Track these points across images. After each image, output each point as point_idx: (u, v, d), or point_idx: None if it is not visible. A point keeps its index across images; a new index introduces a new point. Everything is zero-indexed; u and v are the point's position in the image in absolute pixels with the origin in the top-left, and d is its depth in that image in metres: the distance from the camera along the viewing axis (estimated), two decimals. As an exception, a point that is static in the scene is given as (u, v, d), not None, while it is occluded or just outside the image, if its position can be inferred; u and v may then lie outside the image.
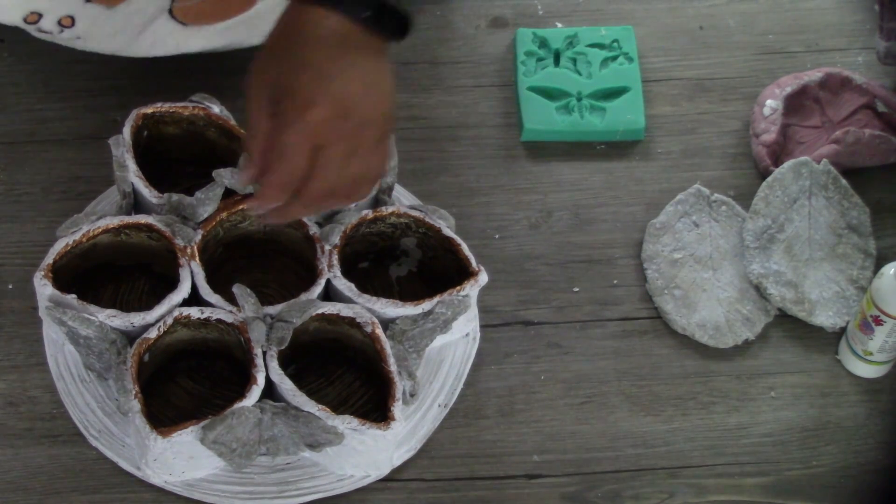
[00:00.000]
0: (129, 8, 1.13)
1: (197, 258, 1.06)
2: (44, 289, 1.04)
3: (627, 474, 1.07)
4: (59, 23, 1.11)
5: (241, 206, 1.10)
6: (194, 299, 1.06)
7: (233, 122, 1.14)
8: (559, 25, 1.31)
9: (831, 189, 1.19)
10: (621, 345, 1.14)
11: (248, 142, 0.95)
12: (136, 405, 1.00)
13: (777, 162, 1.22)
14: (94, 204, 1.15)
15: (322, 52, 0.92)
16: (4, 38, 1.26)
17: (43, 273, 1.04)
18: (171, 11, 1.14)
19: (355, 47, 0.93)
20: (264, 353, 1.03)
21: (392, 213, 1.11)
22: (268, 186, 0.94)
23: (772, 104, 1.24)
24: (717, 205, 1.20)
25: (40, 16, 1.10)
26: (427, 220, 1.11)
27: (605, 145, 1.25)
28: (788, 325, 1.15)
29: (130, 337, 1.05)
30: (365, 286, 1.08)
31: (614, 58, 1.28)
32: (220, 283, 1.07)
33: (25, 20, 1.10)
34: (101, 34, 1.15)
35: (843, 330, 1.13)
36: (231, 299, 1.05)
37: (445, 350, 1.11)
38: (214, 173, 1.09)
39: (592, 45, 1.28)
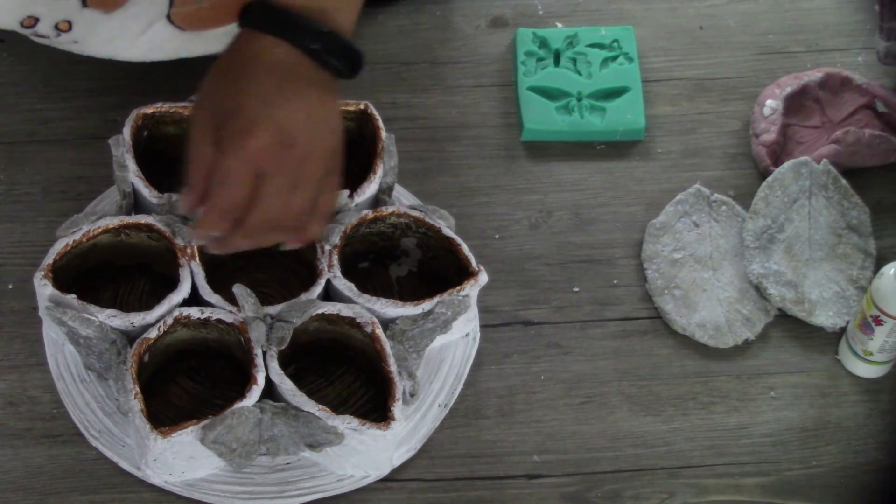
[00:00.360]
0: (127, 13, 1.12)
1: (197, 258, 1.06)
2: (44, 289, 1.04)
3: (627, 474, 1.07)
4: (56, 27, 1.11)
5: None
6: (194, 299, 1.06)
7: (233, 122, 1.14)
8: (559, 25, 1.31)
9: (831, 189, 1.19)
10: (621, 345, 1.14)
11: (190, 168, 0.94)
12: (136, 405, 1.00)
13: (777, 162, 1.22)
14: (94, 204, 1.15)
15: (268, 80, 0.92)
16: (4, 38, 1.26)
17: (43, 273, 1.04)
18: (168, 17, 1.14)
19: (303, 79, 0.93)
20: (264, 353, 1.03)
21: (392, 213, 1.11)
22: (208, 213, 0.93)
23: (772, 104, 1.24)
24: (717, 205, 1.20)
25: (37, 20, 1.10)
26: (427, 220, 1.11)
27: (605, 145, 1.25)
28: (788, 325, 1.15)
29: (130, 337, 1.05)
30: (365, 286, 1.08)
31: (614, 58, 1.28)
32: (220, 283, 1.07)
33: (22, 24, 1.10)
34: (98, 39, 1.15)
35: (843, 330, 1.13)
36: (231, 299, 1.05)
37: (445, 350, 1.11)
38: (214, 173, 1.09)
39: (592, 45, 1.28)
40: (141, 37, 1.16)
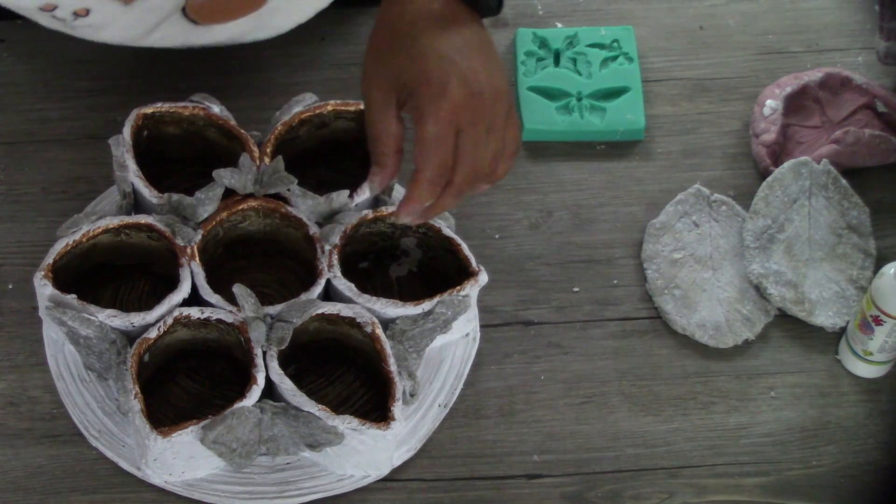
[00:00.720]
0: (145, 5, 1.13)
1: (197, 258, 1.06)
2: (44, 289, 1.04)
3: (627, 474, 1.07)
4: (74, 13, 1.11)
5: (241, 206, 1.10)
6: (194, 299, 1.06)
7: (233, 122, 1.14)
8: (559, 25, 1.31)
9: (831, 189, 1.19)
10: (621, 345, 1.14)
11: (376, 145, 0.95)
12: (136, 405, 1.00)
13: (777, 162, 1.22)
14: (94, 204, 1.15)
15: (437, 35, 0.93)
16: (5, 38, 1.26)
17: (43, 273, 1.04)
18: (184, 9, 1.14)
19: (464, 24, 0.94)
20: (264, 353, 1.03)
21: (392, 213, 1.11)
22: (421, 185, 0.94)
23: (772, 104, 1.24)
24: (717, 205, 1.20)
25: (56, 6, 1.10)
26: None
27: (605, 145, 1.25)
28: (788, 325, 1.15)
29: (130, 337, 1.05)
30: (365, 286, 1.08)
31: (614, 58, 1.28)
32: (220, 283, 1.07)
33: (42, 8, 1.11)
34: (114, 27, 1.15)
35: (843, 330, 1.14)
36: (231, 299, 1.05)
37: (445, 350, 1.11)
38: (214, 173, 1.09)
39: (592, 45, 1.28)
40: (156, 29, 1.16)
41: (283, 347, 1.02)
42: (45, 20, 1.16)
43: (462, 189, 0.95)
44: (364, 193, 1.11)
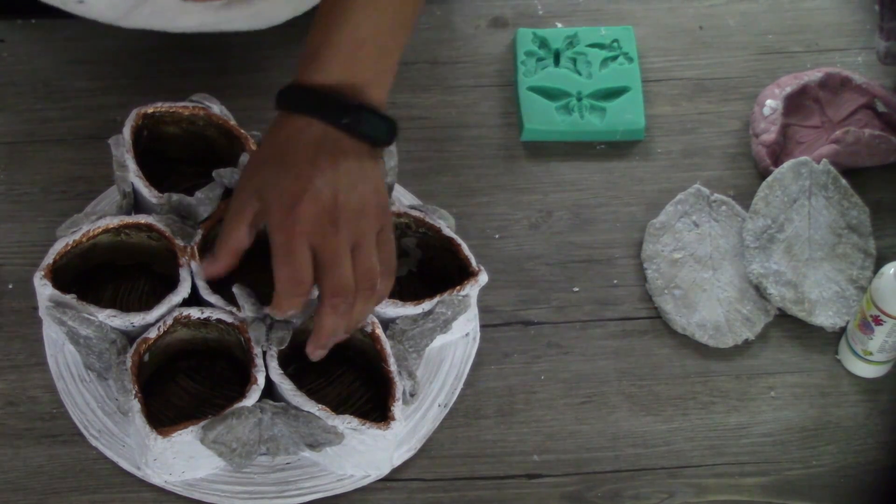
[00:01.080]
0: None
1: (197, 258, 1.06)
2: (44, 289, 1.04)
3: (627, 474, 1.07)
4: None
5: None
6: (194, 299, 1.06)
7: (233, 122, 1.14)
8: (559, 25, 1.31)
9: (831, 189, 1.19)
10: (621, 345, 1.14)
11: (220, 242, 0.99)
12: (136, 405, 1.00)
13: (777, 162, 1.22)
14: (94, 204, 1.15)
15: (305, 157, 0.95)
16: (5, 38, 1.26)
17: (43, 273, 1.04)
18: None
19: (339, 150, 0.96)
20: (264, 353, 1.03)
21: (392, 213, 1.11)
22: (278, 296, 0.97)
23: (772, 104, 1.24)
24: (717, 205, 1.20)
25: None
26: (427, 220, 1.11)
27: (605, 145, 1.25)
28: (788, 325, 1.15)
29: (130, 337, 1.05)
30: (365, 286, 1.08)
31: (614, 58, 1.28)
32: (220, 284, 1.07)
33: None
34: (102, 2, 1.15)
35: (843, 330, 1.14)
36: (231, 299, 1.05)
37: (445, 350, 1.11)
38: (214, 173, 1.09)
39: (592, 45, 1.28)
40: (143, 4, 1.16)
41: (283, 347, 1.02)
42: (71, 6, 1.16)
43: (334, 305, 0.96)
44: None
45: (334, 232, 0.95)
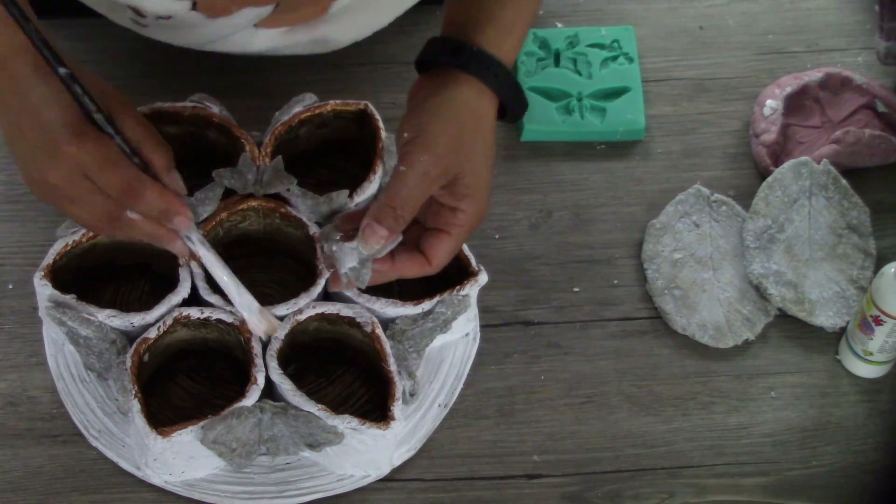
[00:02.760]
0: (231, 21, 1.13)
1: (197, 258, 1.06)
2: (44, 289, 1.04)
3: (627, 474, 1.07)
4: (157, 16, 1.12)
5: (241, 206, 1.10)
6: (194, 299, 1.06)
7: (233, 122, 1.14)
8: (559, 25, 1.31)
9: (831, 189, 1.19)
10: (621, 345, 1.14)
11: (400, 208, 0.98)
12: (136, 405, 1.00)
13: (777, 162, 1.22)
14: (94, 204, 1.15)
15: (482, 142, 1.00)
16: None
17: (43, 273, 1.04)
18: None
19: (492, 130, 1.02)
20: (264, 353, 1.03)
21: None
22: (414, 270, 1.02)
23: (772, 104, 1.24)
24: (717, 205, 1.20)
25: (144, 15, 1.12)
26: (427, 220, 1.11)
27: (605, 145, 1.25)
28: (788, 325, 1.15)
29: (130, 337, 1.05)
30: (365, 286, 1.08)
31: (614, 58, 1.28)
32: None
33: (131, 7, 1.12)
34: (190, 32, 1.16)
35: (843, 330, 1.13)
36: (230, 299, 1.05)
37: (445, 350, 1.11)
38: (214, 173, 1.09)
39: (592, 46, 1.28)
40: (227, 37, 1.18)
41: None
42: (118, 17, 1.16)
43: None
44: (364, 193, 1.11)
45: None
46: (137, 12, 1.11)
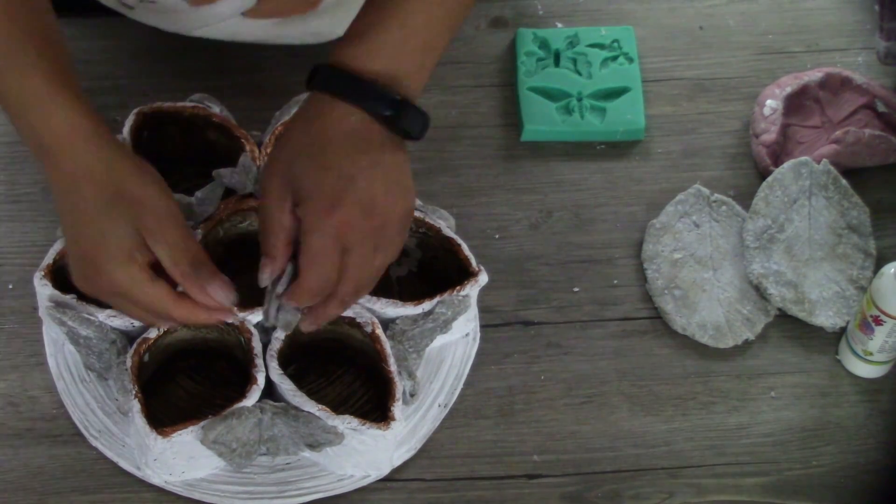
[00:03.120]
0: (214, 10, 1.13)
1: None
2: (44, 289, 1.04)
3: (627, 474, 1.07)
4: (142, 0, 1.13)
5: (241, 206, 1.10)
6: (194, 299, 1.06)
7: (233, 122, 1.14)
8: (559, 25, 1.31)
9: (831, 189, 1.19)
10: (621, 345, 1.14)
11: (266, 236, 0.95)
12: (136, 405, 1.00)
13: (777, 162, 1.22)
14: (94, 204, 1.15)
15: (345, 152, 0.93)
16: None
17: (43, 273, 1.04)
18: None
19: (377, 145, 0.94)
20: (264, 353, 1.03)
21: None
22: (302, 294, 0.95)
23: (772, 104, 1.24)
24: (717, 205, 1.20)
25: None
26: (427, 220, 1.11)
27: (605, 145, 1.25)
28: (788, 325, 1.15)
29: (130, 337, 1.05)
30: (365, 286, 1.08)
31: (614, 58, 1.28)
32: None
33: None
34: (174, 18, 1.16)
35: (843, 330, 1.13)
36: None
37: (445, 350, 1.11)
38: (214, 173, 1.09)
39: (592, 46, 1.28)
40: (213, 24, 1.18)
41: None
42: (108, 0, 1.16)
43: (345, 301, 0.97)
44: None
45: (367, 239, 0.94)
46: None
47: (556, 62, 1.28)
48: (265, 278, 0.96)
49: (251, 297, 1.06)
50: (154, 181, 0.95)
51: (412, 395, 1.07)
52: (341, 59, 0.95)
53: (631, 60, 1.27)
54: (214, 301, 0.95)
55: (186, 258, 0.94)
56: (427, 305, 1.07)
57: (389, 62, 0.95)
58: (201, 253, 0.96)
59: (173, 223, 0.94)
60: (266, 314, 0.98)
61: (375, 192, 0.93)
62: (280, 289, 0.97)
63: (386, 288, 1.13)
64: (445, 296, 1.07)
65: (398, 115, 0.94)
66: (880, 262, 1.15)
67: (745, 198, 1.20)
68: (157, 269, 0.94)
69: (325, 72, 0.95)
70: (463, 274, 1.09)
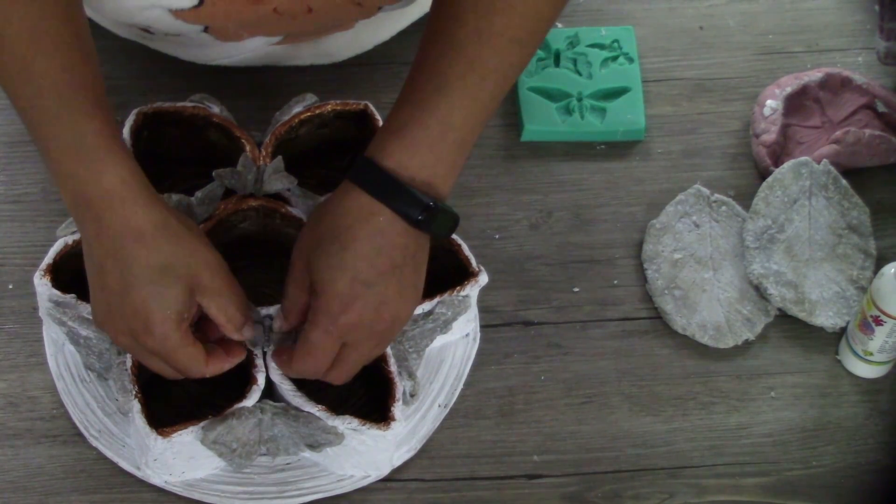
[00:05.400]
0: (239, 45, 1.14)
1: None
2: (44, 289, 1.04)
3: (627, 474, 1.08)
4: (165, 34, 1.13)
5: (241, 206, 1.10)
6: (194, 299, 1.06)
7: (233, 122, 1.14)
8: (559, 26, 1.31)
9: (831, 189, 1.19)
10: (621, 345, 1.14)
11: (286, 303, 0.98)
12: (136, 405, 1.00)
13: (777, 162, 1.22)
14: (94, 204, 1.15)
15: (365, 255, 0.93)
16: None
17: (43, 273, 1.04)
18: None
19: (400, 248, 0.94)
20: (264, 354, 1.03)
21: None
22: (289, 371, 1.00)
23: (772, 104, 1.24)
24: (718, 205, 1.20)
25: (152, 33, 1.13)
26: (427, 220, 1.11)
27: (605, 145, 1.25)
28: (788, 326, 1.15)
29: (130, 337, 1.05)
30: (365, 286, 1.08)
31: (614, 58, 1.28)
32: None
33: (139, 27, 1.13)
34: (199, 50, 1.17)
35: (843, 330, 1.14)
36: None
37: (445, 350, 1.11)
38: (214, 173, 1.09)
39: (593, 46, 1.28)
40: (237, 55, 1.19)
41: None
42: (124, 31, 1.17)
43: (331, 380, 0.99)
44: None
45: (370, 339, 0.96)
46: (146, 30, 1.12)
47: (556, 62, 1.28)
48: (277, 328, 1.01)
49: (251, 296, 1.06)
50: (200, 237, 0.97)
51: (412, 396, 1.07)
52: (379, 154, 0.94)
53: (631, 60, 1.27)
54: (246, 342, 1.00)
55: (236, 305, 0.97)
56: (427, 305, 1.07)
57: (425, 161, 0.94)
58: (244, 297, 0.99)
59: (223, 274, 0.97)
60: (255, 345, 1.03)
61: (389, 296, 0.94)
62: (273, 310, 1.02)
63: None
64: (445, 296, 1.07)
65: (429, 219, 0.93)
66: (880, 263, 1.15)
67: (745, 198, 1.20)
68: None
69: (365, 166, 0.94)
70: (463, 274, 1.09)
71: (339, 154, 1.17)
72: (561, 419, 1.10)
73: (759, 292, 1.15)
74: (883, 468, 1.09)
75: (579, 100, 1.25)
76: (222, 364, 0.98)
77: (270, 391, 1.04)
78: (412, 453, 1.06)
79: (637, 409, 1.11)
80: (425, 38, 0.95)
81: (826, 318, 1.14)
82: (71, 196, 0.93)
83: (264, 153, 1.11)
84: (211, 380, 1.08)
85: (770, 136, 1.23)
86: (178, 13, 1.07)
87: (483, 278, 1.08)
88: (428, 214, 0.93)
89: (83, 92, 0.92)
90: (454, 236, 1.10)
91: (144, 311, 0.93)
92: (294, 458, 1.05)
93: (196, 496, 1.03)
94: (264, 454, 1.04)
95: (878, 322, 1.07)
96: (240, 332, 0.98)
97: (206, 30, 1.10)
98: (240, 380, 1.04)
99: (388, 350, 1.04)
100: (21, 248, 1.14)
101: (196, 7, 1.06)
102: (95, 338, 1.04)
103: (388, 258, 0.93)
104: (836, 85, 1.26)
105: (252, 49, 1.16)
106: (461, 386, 1.10)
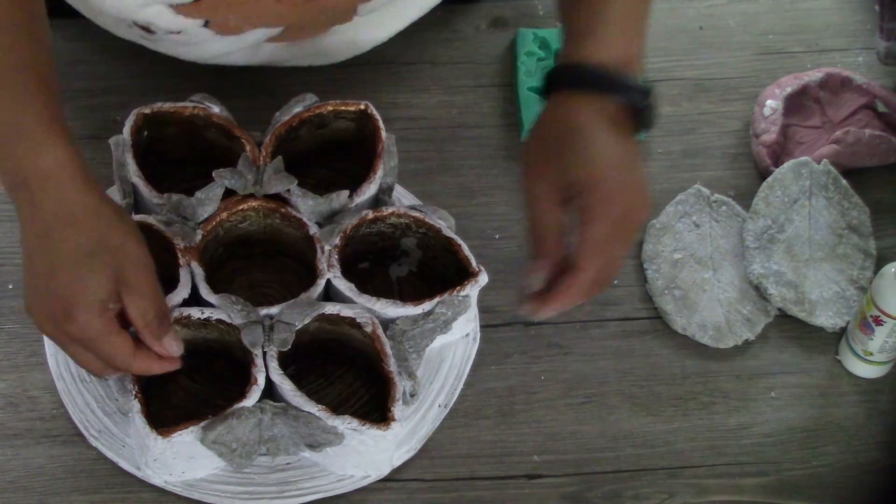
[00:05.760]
0: (239, 39, 1.14)
1: (197, 258, 1.06)
2: (44, 289, 1.04)
3: (627, 474, 1.08)
4: (168, 31, 1.13)
5: (241, 206, 1.10)
6: (194, 299, 1.06)
7: (233, 122, 1.14)
8: (559, 25, 1.31)
9: (831, 189, 1.19)
10: (621, 345, 1.14)
11: (542, 238, 0.95)
12: (136, 405, 1.00)
13: (777, 162, 1.22)
14: (94, 204, 1.15)
15: (606, 140, 0.94)
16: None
17: (43, 273, 1.04)
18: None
19: (626, 134, 0.95)
20: (264, 354, 1.03)
21: (392, 214, 1.11)
22: (582, 286, 0.95)
23: (772, 104, 1.24)
24: (718, 205, 1.20)
25: (153, 31, 1.13)
26: (427, 220, 1.11)
27: (605, 145, 1.24)
28: (788, 326, 1.15)
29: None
30: (365, 286, 1.08)
31: (614, 58, 1.27)
32: (220, 283, 1.07)
33: (139, 25, 1.12)
34: (201, 48, 1.17)
35: (843, 330, 1.14)
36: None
37: (445, 350, 1.11)
38: (214, 173, 1.09)
39: (592, 45, 1.28)
40: (238, 52, 1.18)
41: (286, 349, 1.02)
42: (123, 32, 1.17)
43: (599, 288, 0.96)
44: (364, 194, 1.11)
45: (633, 231, 0.96)
46: (146, 29, 1.12)
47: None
48: (538, 280, 0.96)
49: (250, 296, 1.06)
50: (132, 230, 0.96)
51: (412, 396, 1.07)
52: (578, 58, 0.96)
53: (631, 60, 1.27)
54: (166, 352, 0.97)
55: (155, 311, 0.95)
56: (427, 306, 1.07)
57: (622, 52, 0.96)
58: (165, 305, 0.97)
59: (148, 275, 0.95)
60: (254, 345, 1.01)
61: (639, 183, 0.95)
62: (273, 310, 1.01)
63: (386, 288, 1.13)
64: (445, 296, 1.07)
65: (651, 104, 0.96)
66: (880, 263, 1.15)
67: (745, 198, 1.20)
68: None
69: (569, 71, 0.96)
70: (463, 274, 1.09)
71: (339, 154, 1.17)
72: (561, 419, 1.10)
73: (759, 292, 1.15)
74: (883, 468, 1.09)
75: (579, 100, 1.25)
76: (150, 362, 0.96)
77: (270, 391, 1.04)
78: (412, 453, 1.06)
79: (637, 409, 1.11)
80: None
81: (826, 318, 1.14)
82: (10, 177, 0.92)
83: (264, 153, 1.11)
84: (211, 380, 1.08)
85: (770, 136, 1.23)
86: (178, 8, 1.07)
87: (483, 278, 1.08)
88: (650, 100, 0.96)
89: (27, 73, 0.91)
90: (454, 236, 1.10)
91: (67, 295, 0.91)
92: (294, 458, 1.05)
93: (196, 496, 1.03)
94: (264, 454, 1.04)
95: (878, 322, 1.08)
96: (159, 342, 0.96)
97: (206, 24, 1.10)
98: (240, 380, 1.04)
99: (388, 350, 1.04)
100: (21, 248, 1.14)
101: (196, 1, 1.06)
102: (95, 338, 1.04)
103: (626, 147, 0.95)
104: (836, 85, 1.26)
105: (252, 43, 1.15)
106: (461, 386, 1.10)
